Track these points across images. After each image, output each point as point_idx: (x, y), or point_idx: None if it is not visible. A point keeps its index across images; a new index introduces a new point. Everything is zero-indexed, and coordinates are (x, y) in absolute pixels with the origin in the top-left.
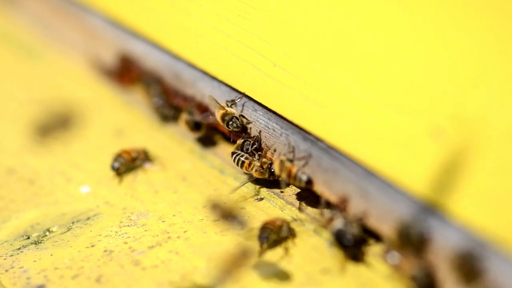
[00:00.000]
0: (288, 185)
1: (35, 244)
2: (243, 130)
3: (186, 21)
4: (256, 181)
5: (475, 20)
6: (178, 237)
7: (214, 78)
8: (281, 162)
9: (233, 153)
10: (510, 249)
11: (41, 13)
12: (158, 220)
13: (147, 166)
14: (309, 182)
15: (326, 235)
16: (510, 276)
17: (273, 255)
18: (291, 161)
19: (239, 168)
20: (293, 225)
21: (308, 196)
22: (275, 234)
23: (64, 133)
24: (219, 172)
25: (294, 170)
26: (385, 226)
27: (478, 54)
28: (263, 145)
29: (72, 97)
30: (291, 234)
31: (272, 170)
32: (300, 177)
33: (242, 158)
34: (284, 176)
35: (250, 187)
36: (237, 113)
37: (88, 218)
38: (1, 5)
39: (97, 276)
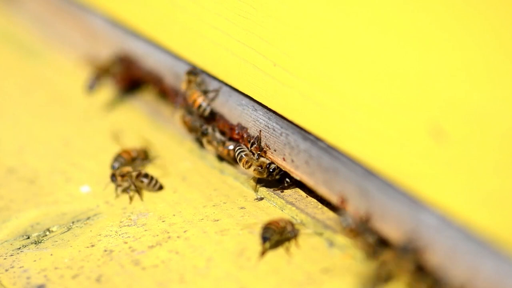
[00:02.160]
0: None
1: (35, 243)
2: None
3: (186, 21)
4: (256, 180)
5: (475, 20)
6: (178, 237)
7: (214, 78)
8: (189, 81)
9: (237, 146)
10: (510, 249)
11: (41, 13)
12: (158, 219)
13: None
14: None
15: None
16: (510, 276)
17: (274, 254)
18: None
19: (238, 163)
20: (297, 226)
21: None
22: (277, 235)
23: None
24: (219, 172)
25: (199, 100)
26: (385, 226)
27: (479, 53)
28: (263, 145)
29: (72, 97)
30: (294, 235)
31: (271, 170)
32: (204, 108)
33: (242, 154)
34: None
35: (250, 187)
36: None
37: (88, 218)
38: (1, 5)
39: (97, 276)
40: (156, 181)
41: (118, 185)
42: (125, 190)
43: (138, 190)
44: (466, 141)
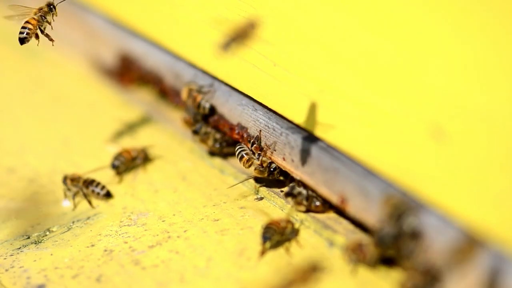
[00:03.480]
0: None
1: (35, 243)
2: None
3: (186, 21)
4: (256, 180)
5: (475, 20)
6: (178, 237)
7: (214, 77)
8: (189, 90)
9: (237, 145)
10: (510, 249)
11: None
12: (158, 219)
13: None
14: (212, 109)
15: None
16: (510, 276)
17: (274, 254)
18: (199, 91)
19: (239, 162)
20: (298, 226)
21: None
22: (278, 235)
23: None
24: (219, 172)
25: (198, 98)
26: None
27: (479, 53)
28: (263, 144)
29: (72, 97)
30: (295, 235)
31: (272, 169)
32: (203, 105)
33: (243, 153)
34: (190, 103)
35: (250, 186)
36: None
37: (88, 218)
38: (1, 5)
39: (97, 276)
40: (102, 188)
41: (67, 189)
42: (75, 195)
43: (86, 196)
44: (467, 141)
